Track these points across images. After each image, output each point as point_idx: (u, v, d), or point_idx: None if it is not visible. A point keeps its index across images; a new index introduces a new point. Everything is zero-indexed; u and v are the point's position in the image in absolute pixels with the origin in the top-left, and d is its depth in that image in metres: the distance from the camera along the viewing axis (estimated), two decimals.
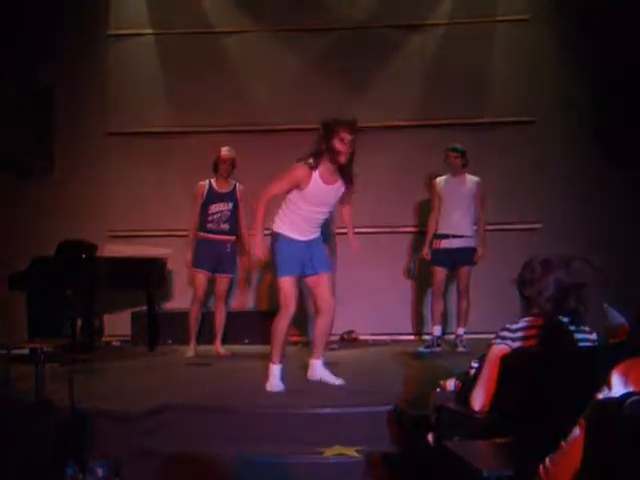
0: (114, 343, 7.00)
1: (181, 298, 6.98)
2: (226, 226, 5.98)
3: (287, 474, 3.59)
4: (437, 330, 6.12)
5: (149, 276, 6.57)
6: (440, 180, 6.20)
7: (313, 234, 4.60)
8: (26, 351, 4.81)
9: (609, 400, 1.93)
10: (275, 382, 4.47)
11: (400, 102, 7.24)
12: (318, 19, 7.40)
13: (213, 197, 6.01)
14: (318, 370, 4.62)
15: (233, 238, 6.04)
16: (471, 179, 6.13)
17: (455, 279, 6.25)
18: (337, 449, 3.66)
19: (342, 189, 4.52)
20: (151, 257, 6.72)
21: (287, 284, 4.47)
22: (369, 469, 3.58)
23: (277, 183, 4.52)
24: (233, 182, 6.09)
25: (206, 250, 5.93)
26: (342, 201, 4.67)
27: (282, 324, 4.51)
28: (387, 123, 7.09)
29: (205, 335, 6.24)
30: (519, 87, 7.20)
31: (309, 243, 4.56)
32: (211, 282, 6.11)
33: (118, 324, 7.14)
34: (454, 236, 6.05)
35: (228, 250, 6.01)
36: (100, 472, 3.52)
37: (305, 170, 4.39)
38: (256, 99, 7.34)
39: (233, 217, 6.01)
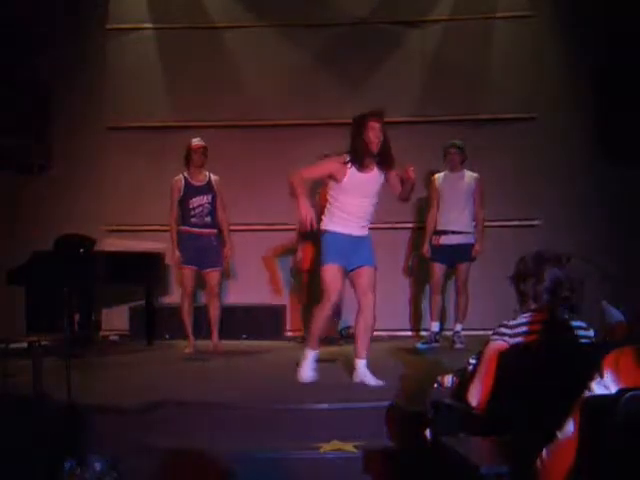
0: (112, 338, 7.01)
1: (179, 293, 6.96)
2: (209, 219, 5.94)
3: (285, 470, 3.59)
4: (435, 326, 6.13)
5: (147, 271, 6.57)
6: (439, 176, 6.20)
7: (362, 230, 4.60)
8: (24, 345, 4.81)
9: (603, 397, 1.93)
10: (307, 370, 4.51)
11: (400, 98, 7.23)
12: (318, 15, 7.39)
13: (191, 191, 5.94)
14: (360, 371, 4.51)
15: (216, 231, 6.00)
16: (470, 175, 6.13)
17: (454, 275, 6.25)
18: (335, 445, 3.66)
19: (381, 177, 4.54)
20: (149, 252, 6.72)
21: (329, 273, 4.45)
22: (367, 465, 3.58)
23: (310, 168, 4.59)
24: (206, 173, 6.03)
25: (192, 245, 5.88)
26: (394, 191, 4.67)
27: (322, 313, 4.50)
28: (387, 119, 7.02)
29: (202, 330, 6.24)
30: (519, 84, 7.19)
31: (357, 239, 4.55)
32: (200, 277, 6.08)
33: (116, 319, 7.15)
34: (453, 232, 6.04)
35: (214, 243, 5.97)
36: (98, 467, 3.51)
37: (339, 164, 4.44)
38: (255, 94, 7.34)
39: (213, 209, 5.98)
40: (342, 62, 7.28)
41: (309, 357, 4.54)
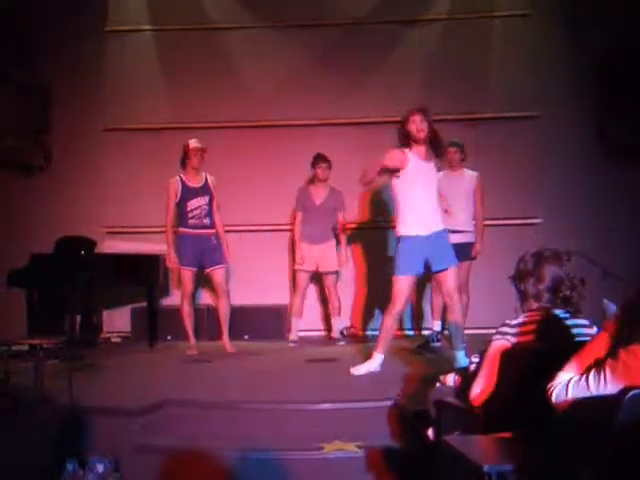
0: (114, 339, 7.00)
1: (180, 294, 6.98)
2: (207, 220, 5.92)
3: (287, 470, 3.58)
4: (437, 325, 6.11)
5: (148, 272, 6.56)
6: (439, 175, 6.18)
7: (435, 225, 4.70)
8: (26, 347, 4.82)
9: (606, 397, 1.94)
10: (367, 370, 4.66)
11: (400, 98, 7.20)
12: (317, 15, 7.39)
13: (188, 193, 5.91)
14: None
15: (214, 231, 5.98)
16: (470, 174, 6.12)
17: None
18: (337, 444, 3.66)
19: (435, 168, 4.78)
20: (150, 253, 6.71)
21: (401, 283, 4.61)
22: (369, 464, 3.58)
23: (379, 161, 4.67)
24: (203, 174, 6.01)
25: (191, 246, 5.86)
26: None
27: (388, 321, 4.67)
28: (387, 118, 7.07)
29: (203, 331, 6.23)
30: (519, 83, 7.18)
31: (433, 238, 4.64)
32: (200, 279, 6.04)
33: (117, 320, 7.15)
34: (454, 231, 6.01)
35: (213, 242, 5.95)
36: (100, 468, 3.51)
37: (399, 151, 4.67)
38: (255, 95, 7.33)
39: (211, 210, 5.97)
40: (342, 62, 7.28)
41: (376, 360, 4.69)
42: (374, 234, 7.19)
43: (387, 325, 4.67)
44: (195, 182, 5.96)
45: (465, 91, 7.17)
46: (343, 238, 6.35)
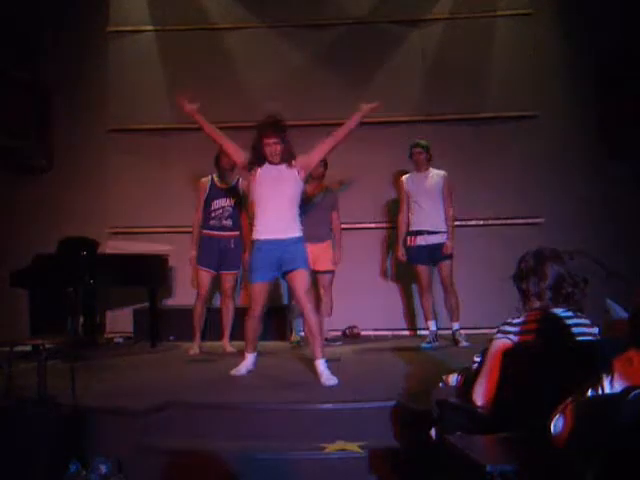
0: (116, 340, 7.01)
1: (183, 295, 7.00)
2: (228, 222, 5.95)
3: (289, 470, 3.59)
4: (432, 325, 6.10)
5: (151, 273, 6.56)
6: (406, 177, 6.19)
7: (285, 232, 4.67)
8: (28, 348, 4.82)
9: (607, 396, 1.93)
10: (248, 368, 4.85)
11: (401, 97, 7.23)
12: (318, 14, 7.40)
13: (215, 193, 5.98)
14: None
15: (236, 234, 6.01)
16: (437, 173, 6.10)
17: (437, 276, 6.15)
18: (339, 445, 3.66)
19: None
20: (153, 254, 6.72)
21: (253, 289, 4.80)
22: (372, 464, 3.57)
23: None
24: (236, 177, 6.05)
25: (210, 248, 5.91)
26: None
27: (249, 322, 4.85)
28: (388, 118, 7.07)
29: (209, 332, 6.24)
30: (520, 82, 7.18)
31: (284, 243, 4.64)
32: (216, 279, 6.09)
33: (120, 321, 7.16)
34: (429, 232, 6.01)
35: (232, 246, 5.98)
36: (103, 469, 3.52)
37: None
38: (256, 95, 7.33)
39: (235, 213, 5.99)
40: (342, 62, 7.28)
41: (250, 359, 4.89)
42: (374, 234, 7.19)
43: (248, 326, 4.81)
44: (224, 183, 6.01)
45: (465, 91, 7.16)
46: (338, 238, 6.33)
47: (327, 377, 4.46)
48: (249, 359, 4.89)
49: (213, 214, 5.94)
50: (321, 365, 4.54)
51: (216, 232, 5.93)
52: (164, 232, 7.18)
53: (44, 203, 7.22)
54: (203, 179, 6.06)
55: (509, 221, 6.94)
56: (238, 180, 6.05)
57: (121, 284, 6.53)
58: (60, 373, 4.18)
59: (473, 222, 7.02)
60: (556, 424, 2.04)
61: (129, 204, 7.32)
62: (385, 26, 7.37)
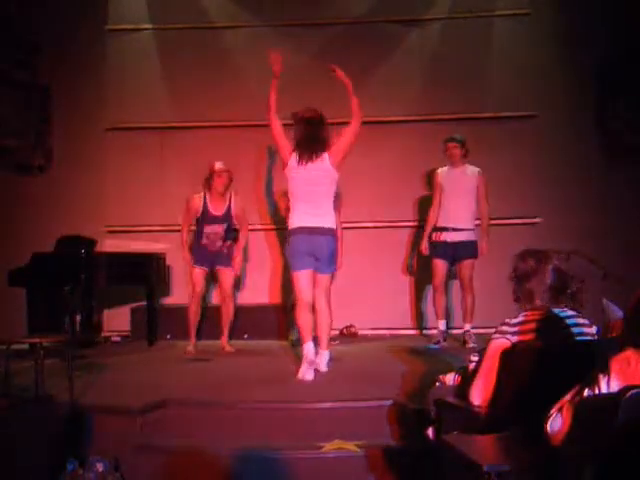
0: (113, 338, 7.01)
1: (180, 293, 6.99)
2: (220, 242, 5.89)
3: (287, 469, 3.59)
4: (442, 324, 6.07)
5: (148, 271, 6.56)
6: (441, 171, 6.13)
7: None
8: (26, 346, 4.81)
9: (604, 396, 1.93)
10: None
11: (399, 97, 7.23)
12: (317, 14, 7.39)
13: (208, 218, 5.83)
14: None
15: (228, 243, 5.96)
16: (472, 170, 6.08)
17: (457, 273, 6.17)
18: (337, 443, 3.66)
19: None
20: (150, 252, 6.71)
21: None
22: (369, 463, 3.58)
23: None
24: (227, 198, 5.90)
25: (203, 252, 5.88)
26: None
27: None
28: (386, 118, 7.07)
29: (205, 331, 6.23)
30: (519, 82, 7.18)
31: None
32: (213, 278, 6.07)
33: (117, 319, 7.15)
34: (454, 229, 5.98)
35: (225, 252, 5.94)
36: (100, 467, 3.51)
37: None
38: (255, 94, 7.30)
39: (228, 232, 5.92)
40: (341, 61, 7.22)
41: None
42: (374, 233, 7.19)
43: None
44: (217, 209, 5.85)
45: (464, 91, 7.16)
46: (339, 237, 6.32)
47: (323, 365, 4.73)
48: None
49: (206, 237, 5.84)
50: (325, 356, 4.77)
51: (208, 250, 5.89)
52: (161, 231, 7.17)
53: (42, 202, 7.20)
54: (195, 195, 5.87)
55: (506, 221, 6.93)
56: (230, 204, 5.90)
57: (118, 283, 6.52)
58: (57, 372, 4.18)
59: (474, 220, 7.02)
60: (553, 423, 2.05)
61: (127, 203, 7.30)
62: (384, 25, 7.36)
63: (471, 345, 5.85)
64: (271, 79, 5.10)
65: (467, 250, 5.96)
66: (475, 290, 6.09)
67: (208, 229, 5.86)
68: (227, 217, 5.91)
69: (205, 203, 5.85)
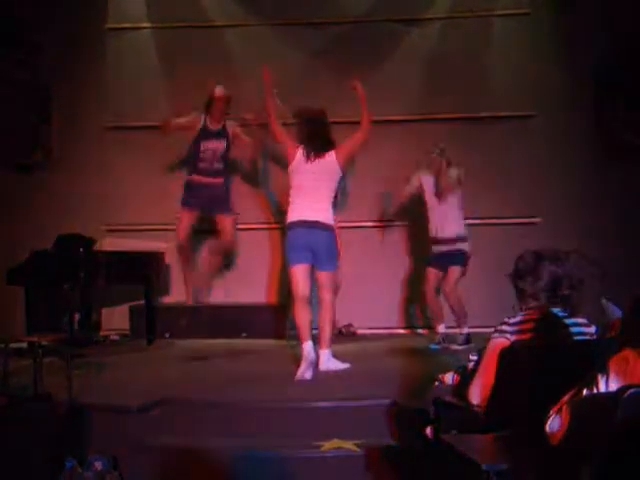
0: (112, 337, 6.99)
1: (179, 292, 6.99)
2: (219, 165, 5.84)
3: (285, 468, 3.59)
4: (441, 327, 6.05)
5: (147, 270, 6.55)
6: (422, 176, 6.10)
7: None
8: (24, 345, 4.81)
9: (602, 395, 1.93)
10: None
11: (399, 96, 7.22)
12: (317, 13, 7.38)
13: (206, 133, 5.90)
14: None
15: (225, 179, 5.91)
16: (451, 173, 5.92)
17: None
18: (336, 443, 3.66)
19: None
20: (149, 251, 6.71)
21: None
22: (368, 463, 3.58)
23: None
24: (224, 123, 6.04)
25: (197, 192, 5.77)
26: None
27: None
28: (386, 117, 7.06)
29: (203, 329, 6.23)
30: (518, 82, 7.17)
31: None
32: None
33: (116, 318, 7.14)
34: (440, 241, 5.99)
35: (221, 192, 5.87)
36: (98, 466, 3.52)
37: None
38: (254, 93, 7.30)
39: (226, 156, 5.88)
40: (342, 60, 7.27)
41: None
42: (372, 232, 7.19)
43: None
44: (214, 125, 5.97)
45: (465, 90, 7.15)
46: (339, 237, 6.31)
47: (324, 363, 4.71)
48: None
49: (202, 155, 5.81)
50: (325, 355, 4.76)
51: (205, 178, 5.79)
52: (161, 230, 7.16)
53: (42, 200, 7.20)
54: (195, 114, 6.02)
55: (505, 220, 6.94)
56: (225, 124, 6.02)
57: (117, 281, 6.52)
58: (56, 370, 4.18)
59: (470, 221, 7.01)
60: (552, 423, 2.05)
61: (126, 201, 7.29)
62: (384, 25, 7.36)
63: (456, 347, 5.82)
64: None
65: (453, 259, 5.90)
66: (475, 289, 6.08)
67: (205, 145, 5.84)
68: (224, 134, 5.93)
69: (205, 120, 6.03)
